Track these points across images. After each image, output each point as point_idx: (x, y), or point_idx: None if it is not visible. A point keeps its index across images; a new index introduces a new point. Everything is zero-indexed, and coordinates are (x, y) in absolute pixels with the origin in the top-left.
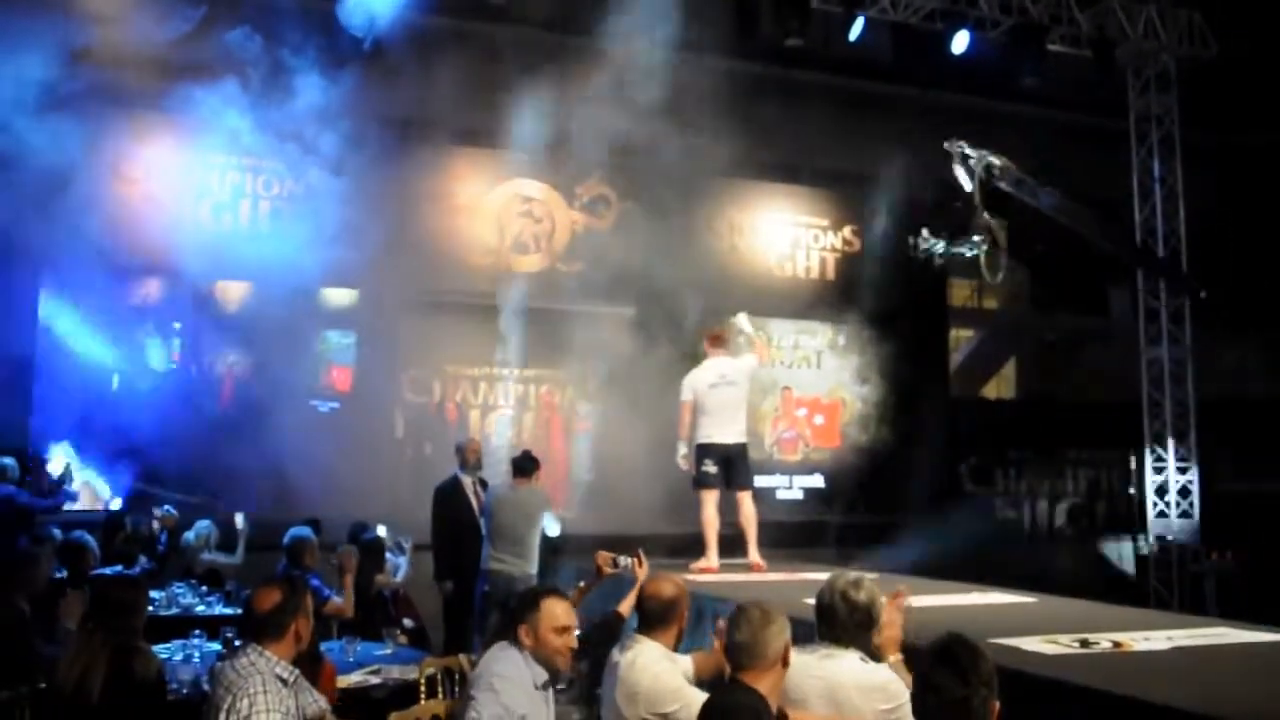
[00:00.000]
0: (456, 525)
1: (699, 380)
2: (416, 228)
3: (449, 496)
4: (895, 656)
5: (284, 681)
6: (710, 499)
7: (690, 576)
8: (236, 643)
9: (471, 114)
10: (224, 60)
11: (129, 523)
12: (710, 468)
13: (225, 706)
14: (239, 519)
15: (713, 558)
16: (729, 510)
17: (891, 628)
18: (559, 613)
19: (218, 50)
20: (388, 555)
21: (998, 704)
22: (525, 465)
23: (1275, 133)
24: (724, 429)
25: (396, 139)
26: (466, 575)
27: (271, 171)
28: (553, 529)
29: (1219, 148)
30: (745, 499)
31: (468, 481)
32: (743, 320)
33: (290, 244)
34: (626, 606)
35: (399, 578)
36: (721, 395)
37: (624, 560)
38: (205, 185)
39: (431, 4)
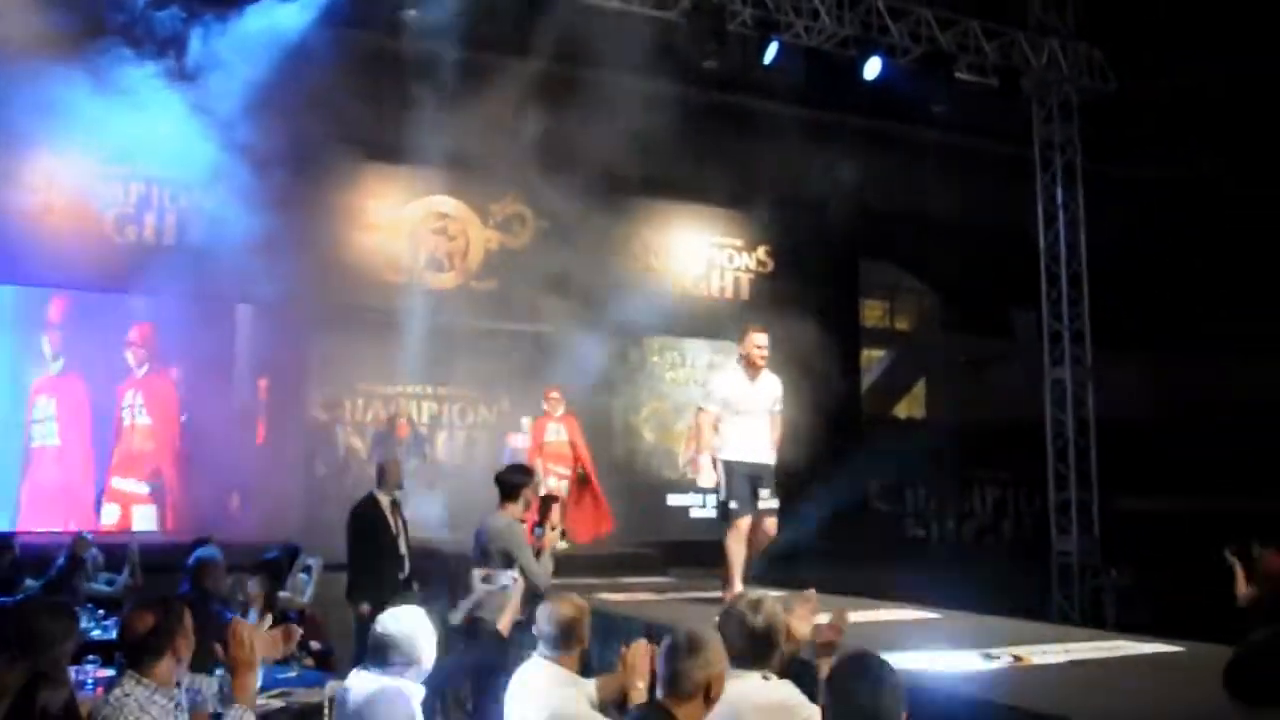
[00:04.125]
0: (374, 545)
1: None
2: (328, 243)
3: (365, 516)
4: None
5: (176, 704)
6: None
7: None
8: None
9: (385, 130)
10: (134, 60)
11: (16, 545)
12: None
13: None
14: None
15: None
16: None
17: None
18: None
19: (129, 50)
20: (300, 575)
21: (906, 715)
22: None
23: (1172, 168)
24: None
25: (309, 153)
26: (384, 596)
27: (178, 183)
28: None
29: (1122, 179)
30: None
31: (385, 500)
32: None
33: (197, 257)
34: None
35: (305, 599)
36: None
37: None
38: (110, 196)
39: (346, 19)
